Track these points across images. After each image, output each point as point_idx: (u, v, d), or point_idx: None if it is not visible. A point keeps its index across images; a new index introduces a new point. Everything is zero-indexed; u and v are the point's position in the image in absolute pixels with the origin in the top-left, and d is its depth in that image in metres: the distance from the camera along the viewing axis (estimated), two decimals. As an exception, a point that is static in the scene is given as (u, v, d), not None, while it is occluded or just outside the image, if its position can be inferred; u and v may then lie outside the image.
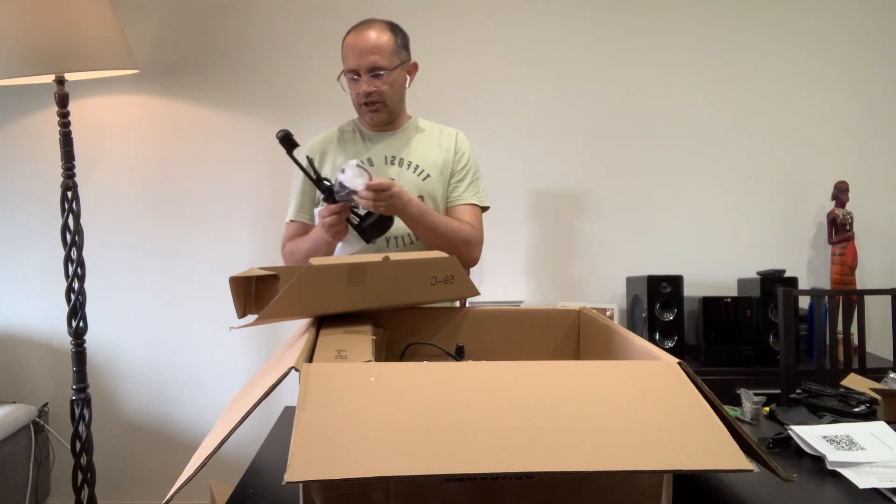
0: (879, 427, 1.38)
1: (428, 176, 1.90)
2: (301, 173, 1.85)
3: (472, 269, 2.83)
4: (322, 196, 1.71)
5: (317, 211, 1.80)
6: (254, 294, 1.35)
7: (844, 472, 1.20)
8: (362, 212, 1.72)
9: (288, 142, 1.68)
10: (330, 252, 1.82)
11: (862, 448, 1.27)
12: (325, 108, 2.90)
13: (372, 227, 1.71)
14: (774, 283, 2.63)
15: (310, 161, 1.76)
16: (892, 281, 2.94)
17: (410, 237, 1.88)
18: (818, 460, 1.27)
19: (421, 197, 1.86)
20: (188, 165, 2.88)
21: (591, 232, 2.96)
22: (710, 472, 1.14)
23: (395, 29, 1.87)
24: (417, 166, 1.90)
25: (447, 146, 1.94)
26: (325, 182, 1.70)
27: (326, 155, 1.94)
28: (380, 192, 1.66)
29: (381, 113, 1.87)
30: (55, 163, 2.52)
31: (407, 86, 1.93)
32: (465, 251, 1.86)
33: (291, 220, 1.96)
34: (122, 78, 2.78)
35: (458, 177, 1.94)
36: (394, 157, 1.91)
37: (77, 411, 2.49)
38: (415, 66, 1.96)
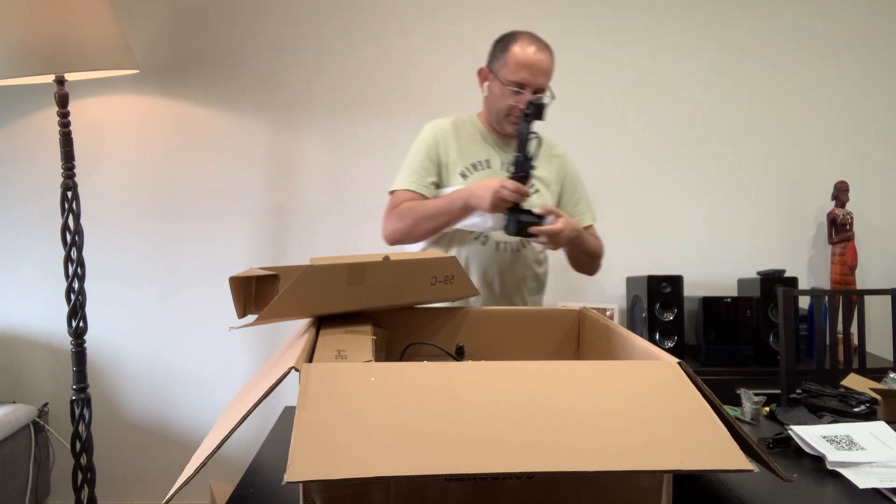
0: (879, 427, 1.38)
1: (537, 191, 1.93)
2: (423, 148, 1.93)
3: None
4: (512, 172, 1.76)
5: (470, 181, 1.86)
6: (254, 294, 1.35)
7: (844, 472, 1.20)
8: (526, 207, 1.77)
9: (538, 113, 1.74)
10: (456, 220, 1.84)
11: (862, 448, 1.28)
12: (324, 108, 2.90)
13: (522, 226, 1.74)
14: (774, 283, 2.63)
15: (537, 138, 1.78)
16: (892, 281, 2.94)
17: (519, 244, 1.94)
18: (818, 460, 1.27)
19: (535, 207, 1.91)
20: (188, 165, 2.88)
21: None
22: (710, 472, 1.14)
23: (553, 54, 1.93)
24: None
25: (557, 166, 2.01)
26: (531, 165, 1.75)
27: (449, 140, 1.95)
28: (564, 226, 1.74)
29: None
30: (55, 163, 2.52)
31: None
32: (599, 265, 2.04)
33: (407, 189, 1.92)
34: (122, 78, 2.78)
35: (574, 199, 2.03)
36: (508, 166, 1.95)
37: (77, 411, 2.49)
38: None
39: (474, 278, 1.91)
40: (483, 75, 1.96)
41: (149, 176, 2.88)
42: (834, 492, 1.14)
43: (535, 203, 1.87)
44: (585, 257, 1.96)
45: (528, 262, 1.98)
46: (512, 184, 1.72)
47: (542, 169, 1.94)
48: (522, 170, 1.74)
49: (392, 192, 1.97)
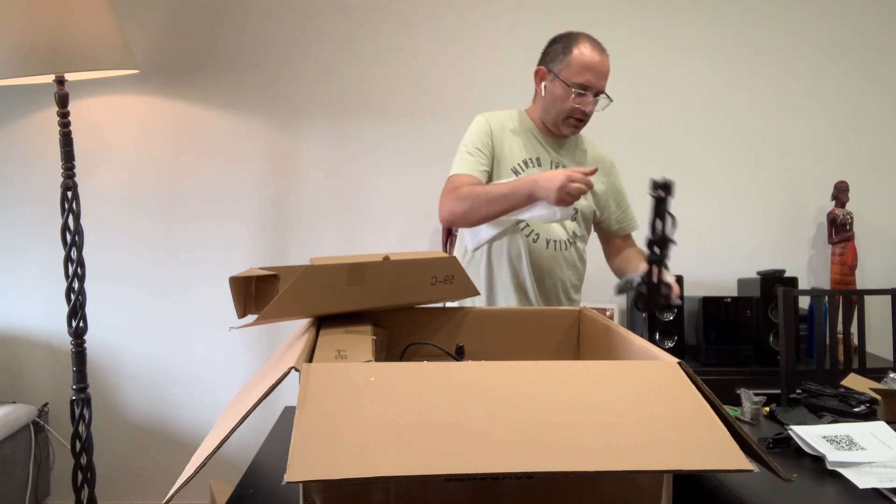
0: (879, 427, 1.38)
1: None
2: (480, 137, 1.90)
3: (472, 269, 2.83)
4: (649, 253, 1.62)
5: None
6: (254, 294, 1.35)
7: (844, 472, 1.20)
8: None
9: (670, 190, 1.59)
10: (516, 208, 1.77)
11: (862, 448, 1.28)
12: (325, 108, 2.90)
13: (653, 300, 1.65)
14: (774, 283, 2.63)
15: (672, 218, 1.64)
16: (892, 281, 2.94)
17: (568, 243, 1.94)
18: (818, 460, 1.27)
19: (576, 209, 1.90)
20: (188, 165, 2.88)
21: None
22: (710, 472, 1.14)
23: None
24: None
25: (608, 172, 2.03)
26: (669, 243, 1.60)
27: (503, 133, 1.94)
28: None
29: (580, 129, 1.95)
30: (55, 163, 2.52)
31: None
32: None
33: (467, 173, 1.87)
34: (122, 78, 2.78)
35: (623, 205, 2.06)
36: (559, 164, 1.95)
37: (77, 411, 2.49)
38: None
39: (515, 276, 1.91)
40: (541, 76, 1.95)
41: (149, 176, 2.88)
42: (834, 492, 1.14)
43: (580, 205, 1.89)
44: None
45: (574, 262, 1.98)
46: (579, 176, 1.66)
47: (585, 167, 1.90)
48: (661, 248, 1.61)
49: (450, 177, 1.92)
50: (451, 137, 2.91)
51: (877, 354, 2.71)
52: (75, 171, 2.45)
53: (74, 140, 2.46)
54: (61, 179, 2.42)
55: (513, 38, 2.91)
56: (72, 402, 2.50)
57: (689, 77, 2.93)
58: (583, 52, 1.86)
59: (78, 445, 2.50)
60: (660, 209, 1.59)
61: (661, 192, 1.58)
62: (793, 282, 2.66)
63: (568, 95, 1.86)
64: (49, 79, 2.37)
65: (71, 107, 2.43)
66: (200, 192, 2.89)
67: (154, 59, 2.85)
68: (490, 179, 1.91)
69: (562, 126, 1.92)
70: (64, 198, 2.43)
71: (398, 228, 2.91)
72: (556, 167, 1.93)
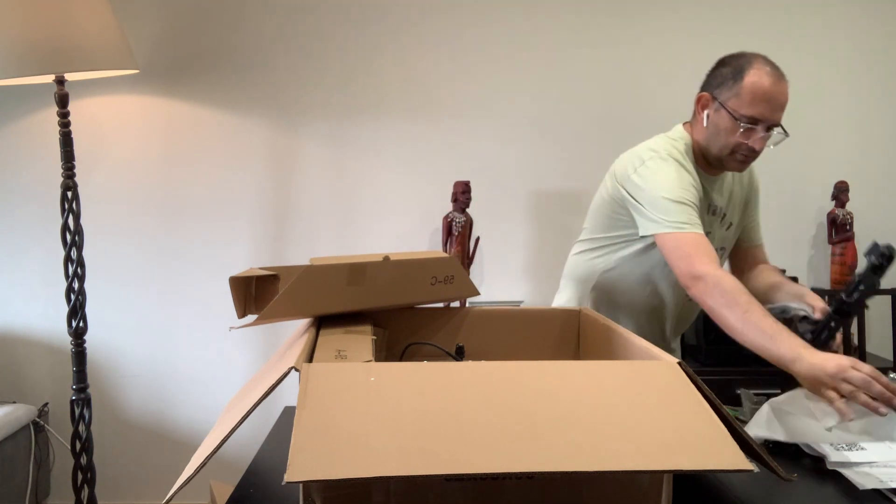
0: None
1: (731, 225, 1.77)
2: (686, 183, 1.59)
3: (471, 269, 2.84)
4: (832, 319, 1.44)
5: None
6: (254, 294, 1.35)
7: (845, 472, 1.19)
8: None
9: (890, 261, 1.40)
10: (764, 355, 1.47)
11: (862, 448, 1.27)
12: (325, 108, 2.90)
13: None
14: (774, 283, 2.63)
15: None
16: (892, 281, 2.94)
17: (719, 253, 1.71)
18: (818, 460, 1.26)
19: (723, 249, 1.76)
20: (188, 165, 2.88)
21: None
22: (710, 472, 1.14)
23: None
24: (725, 216, 1.74)
25: (747, 181, 1.81)
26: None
27: (691, 176, 1.64)
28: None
29: (747, 166, 1.67)
30: (55, 163, 2.52)
31: None
32: None
33: (694, 233, 1.55)
34: (122, 78, 2.78)
35: (753, 214, 1.83)
36: (713, 208, 1.71)
37: (77, 411, 2.49)
38: None
39: (657, 320, 1.78)
40: (704, 103, 1.68)
41: (149, 176, 2.88)
42: (834, 492, 1.14)
43: (729, 240, 1.74)
44: None
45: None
46: (861, 377, 1.25)
47: (735, 198, 1.76)
48: (850, 314, 1.43)
49: (680, 229, 1.55)
50: (452, 137, 2.92)
51: (877, 354, 2.71)
52: (75, 171, 2.45)
53: (74, 140, 2.46)
54: (61, 179, 2.42)
55: (513, 38, 2.91)
56: (72, 402, 2.50)
57: (689, 76, 2.93)
58: (758, 80, 1.62)
59: (78, 445, 2.50)
60: (872, 278, 1.41)
61: (884, 261, 1.39)
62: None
63: (736, 129, 1.60)
64: (49, 79, 2.37)
65: (71, 107, 2.43)
66: (200, 192, 2.89)
67: (154, 59, 2.85)
68: None
69: (727, 161, 1.64)
70: (64, 198, 2.43)
71: (398, 228, 2.91)
72: (711, 210, 1.69)
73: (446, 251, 2.73)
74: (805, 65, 2.93)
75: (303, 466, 0.79)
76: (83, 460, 2.51)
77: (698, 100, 1.71)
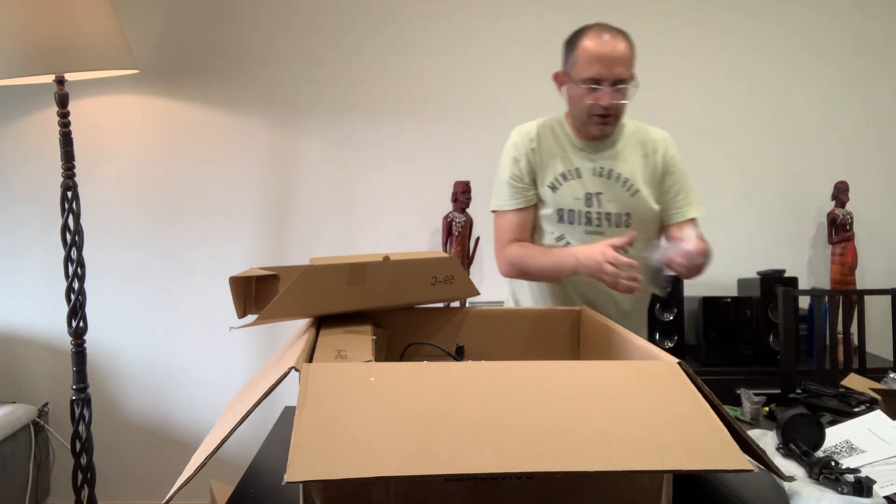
0: (876, 420, 1.37)
1: (637, 192, 1.80)
2: (512, 163, 1.80)
3: (471, 269, 2.84)
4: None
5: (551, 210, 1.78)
6: (254, 294, 1.35)
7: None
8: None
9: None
10: (565, 278, 1.74)
11: (862, 451, 1.27)
12: (325, 108, 2.90)
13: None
14: (774, 283, 2.63)
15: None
16: (892, 281, 2.94)
17: (625, 219, 1.80)
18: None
19: (628, 214, 1.79)
20: (188, 165, 2.88)
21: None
22: (710, 472, 1.14)
23: (630, 39, 1.78)
24: (627, 180, 1.79)
25: (654, 153, 1.83)
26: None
27: (535, 149, 1.81)
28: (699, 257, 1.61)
29: (611, 126, 1.76)
30: (55, 163, 2.52)
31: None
32: (706, 268, 1.82)
33: (511, 210, 1.81)
34: (122, 78, 2.78)
35: (674, 189, 1.85)
36: (602, 169, 1.80)
37: (77, 411, 2.49)
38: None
39: (566, 297, 1.81)
40: (559, 80, 1.82)
41: (149, 176, 2.88)
42: (834, 492, 1.14)
43: (637, 206, 1.79)
44: (696, 270, 1.74)
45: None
46: (611, 269, 1.55)
47: (639, 166, 1.81)
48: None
49: (494, 212, 1.86)
50: (452, 137, 2.92)
51: (877, 354, 2.71)
52: (75, 171, 2.45)
53: (74, 140, 2.46)
54: (61, 179, 2.42)
55: (513, 38, 2.91)
56: (72, 402, 2.50)
57: (688, 77, 2.93)
58: (587, 43, 1.72)
59: (78, 445, 2.50)
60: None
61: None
62: (793, 282, 2.66)
63: (583, 93, 1.71)
64: (49, 79, 2.37)
65: (71, 107, 2.43)
66: (200, 192, 2.89)
67: (154, 59, 2.85)
68: (537, 201, 1.83)
69: (589, 127, 1.76)
70: (64, 198, 2.43)
71: (398, 228, 2.91)
72: (599, 175, 1.78)
73: (446, 251, 2.73)
74: (805, 65, 2.93)
75: (303, 466, 0.79)
76: (83, 460, 2.51)
77: (554, 79, 1.84)
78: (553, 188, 1.80)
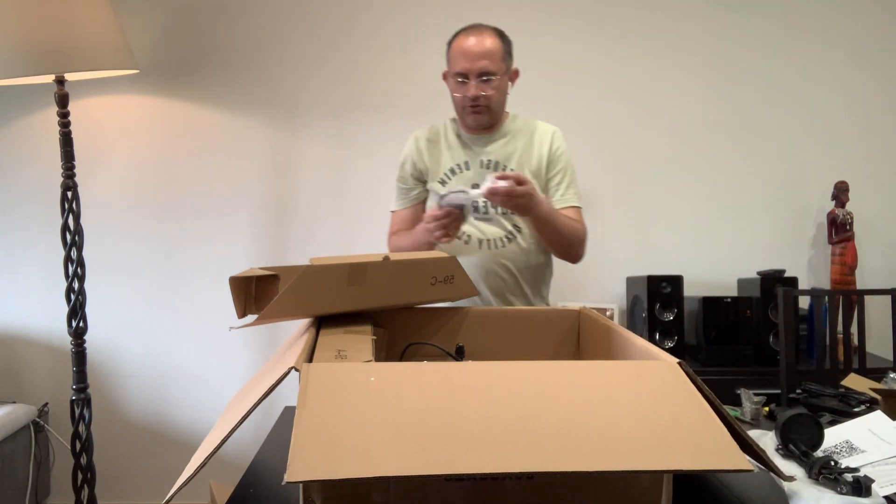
0: (877, 420, 1.37)
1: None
2: (401, 166, 2.00)
3: (472, 269, 2.83)
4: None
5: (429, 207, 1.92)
6: (254, 294, 1.35)
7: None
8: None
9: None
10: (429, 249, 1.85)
11: (862, 451, 1.27)
12: (325, 109, 2.90)
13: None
14: (774, 283, 2.63)
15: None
16: (892, 281, 2.94)
17: (505, 239, 1.91)
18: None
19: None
20: (188, 165, 2.88)
21: (591, 232, 2.94)
22: (710, 472, 1.14)
23: (502, 36, 1.92)
24: (512, 170, 1.90)
25: (542, 145, 1.95)
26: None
27: (423, 149, 1.98)
28: (519, 183, 1.67)
29: (484, 116, 1.89)
30: (55, 163, 2.52)
31: (508, 91, 1.97)
32: (578, 248, 1.95)
33: (398, 210, 2.04)
34: (122, 78, 2.78)
35: (557, 178, 1.95)
36: (489, 161, 1.93)
37: (77, 411, 2.49)
38: (516, 73, 1.98)
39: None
40: (445, 80, 1.97)
41: (149, 176, 2.88)
42: (834, 492, 1.14)
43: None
44: (559, 237, 1.87)
45: (518, 257, 1.92)
46: (432, 225, 1.71)
47: (527, 158, 1.93)
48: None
49: (392, 212, 2.07)
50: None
51: (877, 354, 2.71)
52: (75, 171, 2.45)
53: (74, 140, 2.46)
54: (61, 179, 2.43)
55: (514, 39, 2.90)
56: (72, 402, 2.50)
57: (688, 76, 2.93)
58: (456, 42, 1.88)
59: (78, 445, 2.50)
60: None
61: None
62: (793, 282, 2.66)
63: (455, 87, 1.88)
64: (49, 79, 2.37)
65: (71, 107, 2.43)
66: (200, 192, 2.89)
67: (154, 59, 2.85)
68: (426, 196, 2.00)
69: (465, 118, 1.91)
70: (64, 198, 2.43)
71: (398, 228, 2.91)
72: (486, 167, 1.92)
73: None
74: (805, 65, 2.93)
75: (303, 466, 0.79)
76: (83, 460, 2.51)
77: (444, 79, 1.97)
78: (443, 182, 1.94)
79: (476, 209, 1.89)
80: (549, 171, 1.95)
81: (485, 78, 1.84)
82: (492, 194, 1.67)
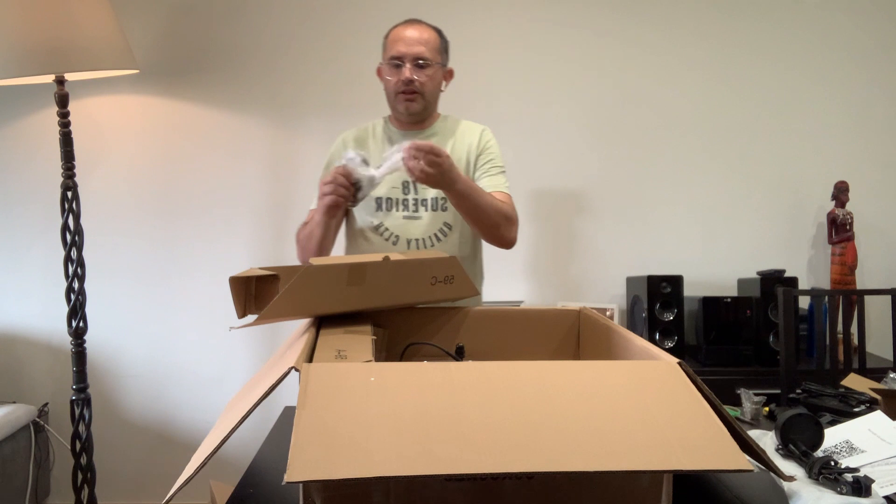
0: (877, 420, 1.37)
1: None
2: (324, 167, 1.94)
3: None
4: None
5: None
6: (254, 294, 1.35)
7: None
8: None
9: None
10: (329, 226, 1.79)
11: (862, 451, 1.27)
12: (325, 109, 2.90)
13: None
14: (774, 283, 2.63)
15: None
16: (892, 281, 2.94)
17: (434, 238, 1.89)
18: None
19: (444, 198, 1.86)
20: (188, 165, 2.88)
21: (591, 232, 2.96)
22: (710, 472, 1.14)
23: (440, 32, 1.94)
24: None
25: (471, 142, 1.94)
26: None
27: (347, 147, 1.91)
28: (430, 153, 1.60)
29: (417, 104, 1.87)
30: (55, 163, 2.52)
31: (442, 89, 1.96)
32: (507, 228, 1.86)
33: (310, 209, 1.98)
34: (122, 78, 2.78)
35: (484, 169, 1.93)
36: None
37: (77, 411, 2.49)
38: (451, 73, 1.98)
39: None
40: (378, 74, 1.95)
41: (149, 176, 2.88)
42: (834, 493, 1.14)
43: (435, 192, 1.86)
44: (480, 213, 1.78)
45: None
46: (329, 177, 1.65)
47: (456, 155, 1.90)
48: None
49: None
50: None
51: (877, 354, 2.71)
52: (75, 171, 2.45)
53: (74, 140, 2.46)
54: (61, 179, 2.43)
55: (513, 39, 2.91)
56: (72, 402, 2.50)
57: (688, 77, 2.93)
58: (394, 30, 1.89)
59: (78, 445, 2.50)
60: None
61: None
62: (793, 282, 2.66)
63: (389, 72, 1.87)
64: (49, 79, 2.37)
65: (71, 107, 2.43)
66: (200, 192, 2.89)
67: (154, 59, 2.85)
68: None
69: (398, 106, 1.89)
70: (64, 198, 2.43)
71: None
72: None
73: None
74: (805, 65, 2.93)
75: (303, 466, 0.79)
76: (83, 460, 2.51)
77: (377, 75, 1.95)
78: None
79: (406, 207, 1.86)
80: (477, 162, 1.93)
81: (420, 62, 1.84)
82: (412, 156, 1.58)
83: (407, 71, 1.84)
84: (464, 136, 1.96)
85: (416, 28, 1.88)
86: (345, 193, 1.65)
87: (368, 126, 2.00)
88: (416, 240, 1.88)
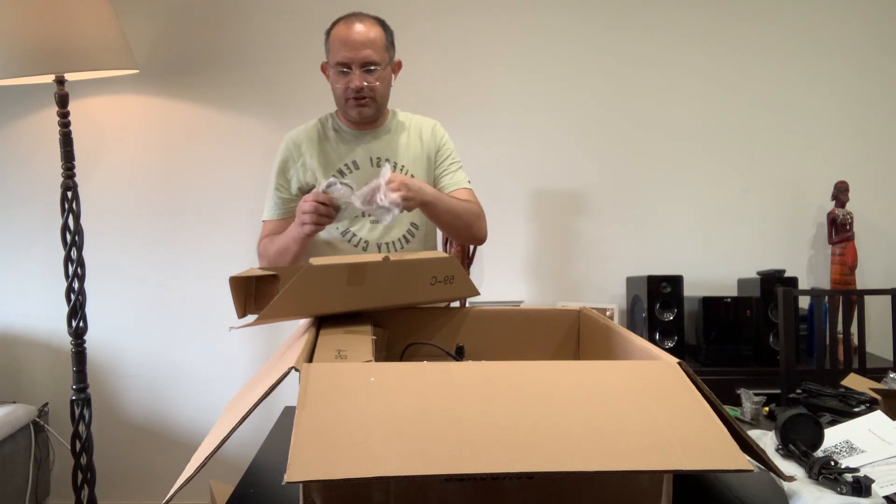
0: (877, 420, 1.37)
1: (413, 176, 1.87)
2: (276, 172, 1.90)
3: (471, 269, 2.84)
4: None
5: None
6: (254, 294, 1.35)
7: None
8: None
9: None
10: (303, 250, 1.77)
11: (862, 451, 1.27)
12: (325, 109, 2.89)
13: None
14: (774, 283, 2.63)
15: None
16: (892, 281, 2.94)
17: (403, 240, 1.88)
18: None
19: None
20: (188, 165, 2.88)
21: (591, 232, 2.96)
22: (710, 472, 1.14)
23: (384, 25, 1.86)
24: (403, 166, 1.89)
25: (427, 139, 1.94)
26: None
27: (303, 152, 1.90)
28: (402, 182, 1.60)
29: (370, 108, 1.84)
30: (55, 163, 2.52)
31: (392, 83, 1.93)
32: (479, 227, 1.89)
33: (270, 220, 1.93)
34: (122, 78, 2.78)
35: (444, 166, 1.93)
36: (379, 159, 1.88)
37: (77, 411, 2.49)
38: (399, 65, 1.96)
39: None
40: (323, 71, 1.90)
41: (149, 176, 2.88)
42: (835, 493, 1.14)
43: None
44: (453, 217, 1.79)
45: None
46: (309, 205, 1.60)
47: (414, 152, 1.90)
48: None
49: (263, 218, 1.94)
50: (451, 136, 2.91)
51: (877, 354, 2.71)
52: (75, 171, 2.45)
53: (74, 140, 2.46)
54: (61, 179, 2.43)
55: (513, 39, 2.91)
56: (72, 402, 2.50)
57: (689, 77, 2.93)
58: (336, 30, 1.82)
59: (78, 445, 2.50)
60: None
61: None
62: (793, 282, 2.66)
63: (338, 78, 1.82)
64: (49, 79, 2.37)
65: (71, 107, 2.43)
66: (200, 192, 2.89)
67: (154, 59, 2.85)
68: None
69: (348, 111, 1.84)
70: (64, 198, 2.43)
71: (398, 228, 2.90)
72: (377, 165, 1.86)
73: (446, 251, 2.73)
74: (805, 65, 2.93)
75: (303, 466, 0.79)
76: (83, 460, 2.51)
77: (322, 71, 1.91)
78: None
79: (361, 215, 1.82)
80: (437, 160, 1.92)
81: (369, 68, 1.79)
82: (392, 189, 1.56)
83: (356, 79, 1.79)
84: (419, 132, 1.94)
85: (361, 26, 1.79)
86: (327, 222, 1.63)
87: (316, 125, 1.95)
88: (387, 243, 1.87)
